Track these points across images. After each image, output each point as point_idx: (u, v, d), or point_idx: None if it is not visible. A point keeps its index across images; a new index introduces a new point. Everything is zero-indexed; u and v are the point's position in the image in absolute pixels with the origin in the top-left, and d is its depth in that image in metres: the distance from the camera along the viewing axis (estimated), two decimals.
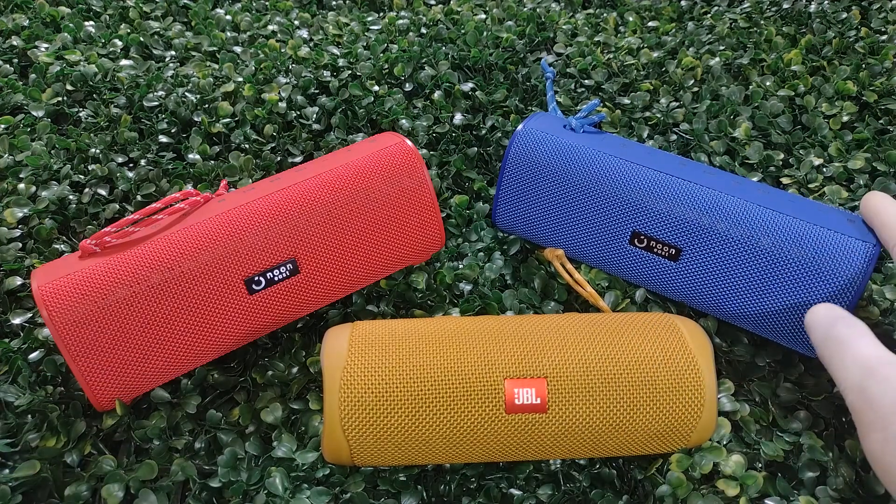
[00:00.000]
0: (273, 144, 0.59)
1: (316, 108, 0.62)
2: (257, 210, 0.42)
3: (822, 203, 0.46)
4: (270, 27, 0.72)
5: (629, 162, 0.47)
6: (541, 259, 0.52)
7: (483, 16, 0.74)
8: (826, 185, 0.56)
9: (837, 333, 0.36)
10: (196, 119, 0.61)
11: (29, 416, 0.42)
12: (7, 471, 0.40)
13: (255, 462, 0.41)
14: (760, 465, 0.41)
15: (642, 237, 0.46)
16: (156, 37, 0.70)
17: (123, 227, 0.41)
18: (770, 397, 0.44)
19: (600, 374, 0.37)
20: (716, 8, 0.76)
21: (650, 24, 0.74)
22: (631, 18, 0.74)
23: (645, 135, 0.60)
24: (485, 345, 0.38)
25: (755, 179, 0.56)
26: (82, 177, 0.55)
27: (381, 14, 0.77)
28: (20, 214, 0.52)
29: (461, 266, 0.51)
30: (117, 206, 0.54)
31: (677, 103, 0.63)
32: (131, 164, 0.58)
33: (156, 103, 0.61)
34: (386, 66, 0.66)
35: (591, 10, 0.77)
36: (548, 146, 0.48)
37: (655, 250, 0.46)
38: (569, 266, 0.49)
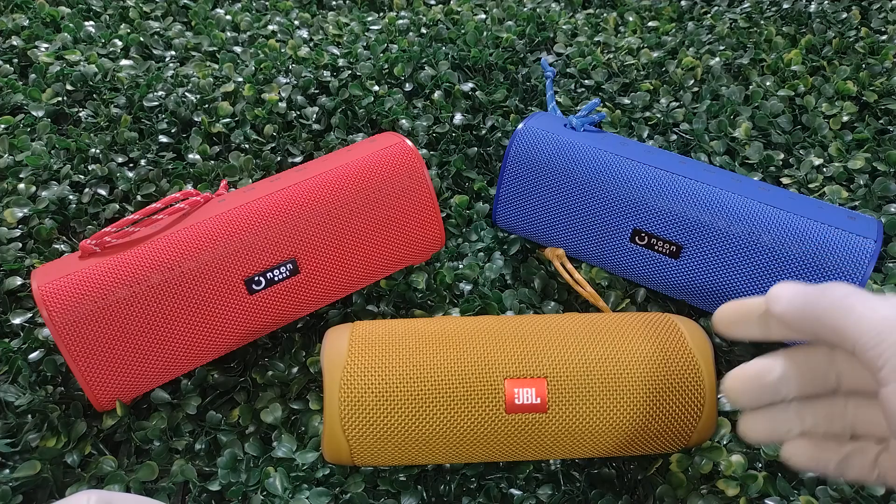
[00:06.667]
0: (273, 144, 0.59)
1: (316, 108, 0.62)
2: (257, 210, 0.42)
3: (822, 201, 0.46)
4: (270, 27, 0.72)
5: (630, 160, 0.47)
6: (541, 258, 0.52)
7: (483, 16, 0.74)
8: (826, 185, 0.56)
9: (836, 293, 0.30)
10: (196, 119, 0.61)
11: (29, 416, 0.42)
12: (7, 471, 0.40)
13: (254, 463, 0.41)
14: (760, 465, 0.41)
15: (643, 234, 0.46)
16: (156, 37, 0.70)
17: (123, 227, 0.41)
18: None
19: (600, 374, 0.37)
20: (716, 8, 0.76)
21: (650, 24, 0.74)
22: (631, 18, 0.74)
23: (645, 135, 0.60)
24: (485, 345, 0.38)
25: (755, 179, 0.56)
26: (82, 177, 0.55)
27: (381, 14, 0.77)
28: (20, 214, 0.52)
29: (461, 266, 0.51)
30: (117, 206, 0.54)
31: (677, 103, 0.63)
32: (131, 164, 0.58)
33: (156, 103, 0.61)
34: (386, 66, 0.66)
35: (591, 10, 0.77)
36: (549, 144, 0.48)
37: (656, 248, 0.46)
38: (569, 266, 0.49)
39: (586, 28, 0.73)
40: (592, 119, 0.50)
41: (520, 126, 0.50)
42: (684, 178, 0.45)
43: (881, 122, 0.61)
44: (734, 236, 0.43)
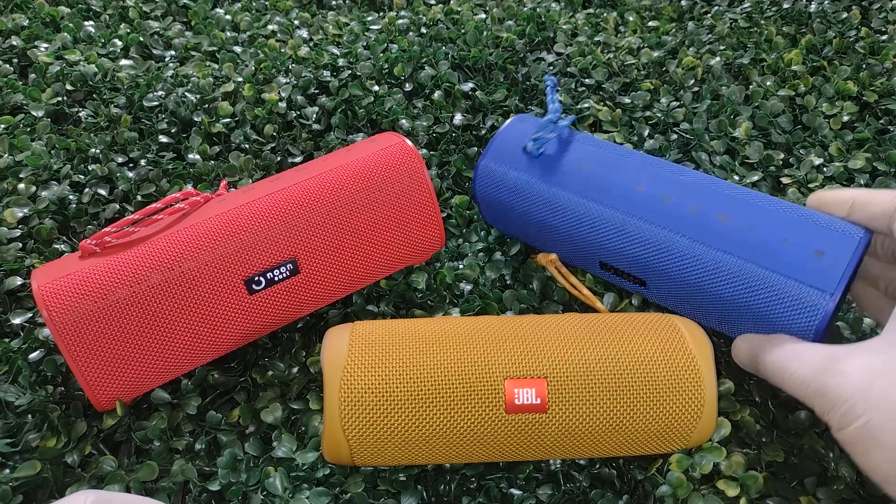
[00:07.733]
0: (273, 144, 0.59)
1: (316, 108, 0.62)
2: (257, 210, 0.42)
3: (804, 217, 0.41)
4: (270, 27, 0.72)
5: (584, 199, 0.45)
6: (535, 265, 0.52)
7: (483, 16, 0.74)
8: (826, 184, 0.56)
9: (769, 364, 0.37)
10: (196, 119, 0.61)
11: (29, 416, 0.42)
12: (7, 471, 0.40)
13: (254, 463, 0.41)
14: (761, 465, 0.41)
15: (609, 266, 0.46)
16: (156, 37, 0.70)
17: (123, 227, 0.41)
18: (770, 397, 0.44)
19: (600, 374, 0.37)
20: (716, 8, 0.76)
21: (650, 23, 0.74)
22: (631, 18, 0.74)
23: (645, 134, 0.60)
24: (485, 345, 0.38)
25: (755, 179, 0.56)
26: (82, 177, 0.55)
27: (381, 14, 0.77)
28: (20, 214, 0.52)
29: (461, 266, 0.51)
30: (117, 206, 0.54)
31: (678, 103, 0.63)
32: (131, 164, 0.58)
33: (156, 103, 0.61)
34: (386, 66, 0.66)
35: (591, 10, 0.77)
36: (504, 187, 0.48)
37: (624, 276, 0.46)
38: (564, 270, 0.49)
39: (586, 28, 0.73)
40: (559, 130, 0.48)
41: (479, 162, 0.49)
42: (637, 221, 0.44)
43: (881, 122, 0.61)
44: (687, 283, 0.43)
